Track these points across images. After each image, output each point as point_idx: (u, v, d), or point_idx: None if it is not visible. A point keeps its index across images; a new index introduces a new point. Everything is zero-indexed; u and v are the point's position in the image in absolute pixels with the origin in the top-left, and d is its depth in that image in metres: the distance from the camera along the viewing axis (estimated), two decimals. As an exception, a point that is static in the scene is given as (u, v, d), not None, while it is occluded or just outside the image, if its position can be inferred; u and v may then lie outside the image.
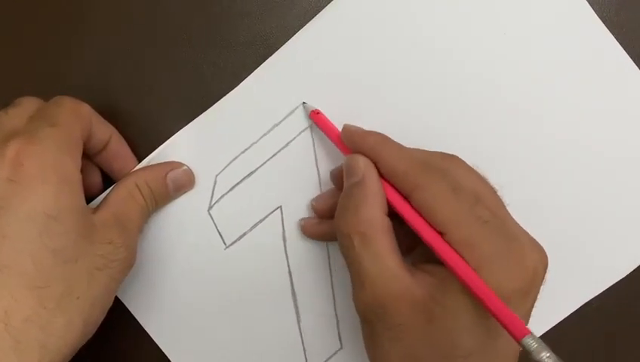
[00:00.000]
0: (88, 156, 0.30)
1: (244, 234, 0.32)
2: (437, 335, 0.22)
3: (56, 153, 0.25)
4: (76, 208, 0.25)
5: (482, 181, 0.25)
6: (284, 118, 0.32)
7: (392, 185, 0.26)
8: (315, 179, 0.32)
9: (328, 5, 0.31)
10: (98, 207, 0.28)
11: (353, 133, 0.28)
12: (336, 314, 0.32)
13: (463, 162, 0.26)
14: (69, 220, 0.25)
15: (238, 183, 0.32)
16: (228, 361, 0.33)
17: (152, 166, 0.31)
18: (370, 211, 0.24)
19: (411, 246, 0.27)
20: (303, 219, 0.31)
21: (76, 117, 0.27)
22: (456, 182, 0.24)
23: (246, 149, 0.32)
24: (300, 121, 0.32)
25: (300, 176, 0.32)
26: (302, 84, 0.31)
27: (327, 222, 0.30)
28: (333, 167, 0.31)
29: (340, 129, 0.29)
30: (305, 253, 0.32)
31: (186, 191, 0.32)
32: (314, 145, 0.32)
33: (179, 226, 0.32)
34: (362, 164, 0.26)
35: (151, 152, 0.32)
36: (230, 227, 0.32)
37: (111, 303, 0.28)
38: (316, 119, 0.30)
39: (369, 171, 0.26)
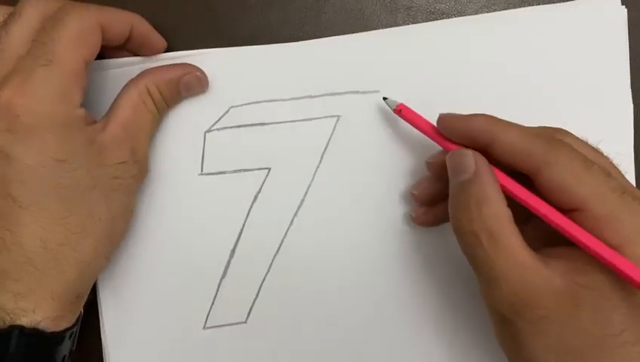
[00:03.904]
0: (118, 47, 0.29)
1: (223, 172, 0.31)
2: (586, 320, 0.21)
3: (51, 99, 0.25)
4: (82, 144, 0.25)
5: (599, 152, 0.24)
6: (321, 95, 0.31)
7: (505, 166, 0.24)
8: (315, 165, 0.31)
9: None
10: (108, 120, 0.27)
11: (454, 119, 0.26)
12: (259, 291, 0.31)
13: (575, 135, 0.24)
14: (78, 158, 0.25)
15: (247, 125, 0.31)
16: (148, 271, 0.31)
17: (166, 68, 0.29)
18: (495, 206, 0.23)
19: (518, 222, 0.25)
20: (413, 211, 0.30)
21: (78, 42, 0.25)
22: (584, 155, 0.23)
23: (272, 100, 0.31)
24: (333, 106, 0.31)
25: (304, 153, 0.31)
26: (365, 73, 0.30)
27: (433, 211, 0.29)
28: (337, 164, 0.31)
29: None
30: (264, 221, 0.31)
31: (197, 94, 0.30)
32: (331, 137, 0.31)
33: (171, 137, 0.31)
34: (472, 157, 0.24)
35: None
36: (215, 158, 0.31)
37: (133, 212, 0.29)
38: (404, 113, 0.28)
39: (482, 164, 0.24)
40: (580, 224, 0.22)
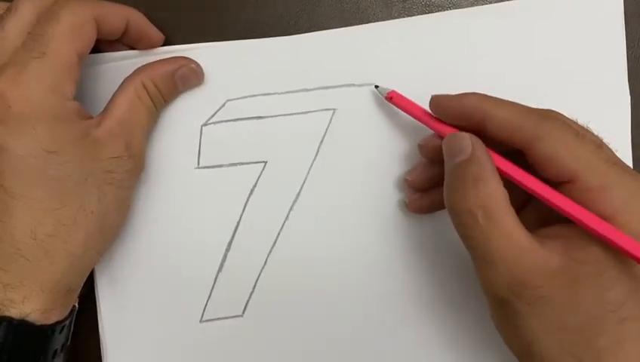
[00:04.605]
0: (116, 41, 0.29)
1: (220, 165, 0.30)
2: (584, 296, 0.21)
3: (44, 91, 0.24)
4: (74, 137, 0.25)
5: (589, 130, 0.24)
6: (317, 89, 0.30)
7: (499, 142, 0.24)
8: (311, 158, 0.30)
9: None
10: (103, 116, 0.27)
11: (446, 98, 0.25)
12: (255, 284, 0.30)
13: (565, 115, 0.24)
14: (70, 150, 0.25)
15: (243, 119, 0.30)
16: (145, 265, 0.31)
17: (160, 62, 0.29)
18: (492, 185, 0.22)
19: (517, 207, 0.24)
20: (406, 197, 0.29)
21: (72, 35, 0.25)
22: (575, 128, 0.22)
23: (268, 94, 0.30)
24: (329, 99, 0.30)
25: (300, 146, 0.30)
26: (361, 66, 0.30)
27: (428, 195, 0.29)
28: (333, 157, 0.30)
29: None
30: (260, 214, 0.30)
31: (193, 87, 0.30)
32: (326, 130, 0.30)
33: (168, 131, 0.31)
34: (469, 139, 0.24)
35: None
36: (212, 151, 0.30)
37: (129, 207, 0.29)
38: (395, 100, 0.28)
39: (478, 146, 0.24)
40: (573, 196, 0.22)
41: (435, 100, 0.26)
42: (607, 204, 0.21)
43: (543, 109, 0.24)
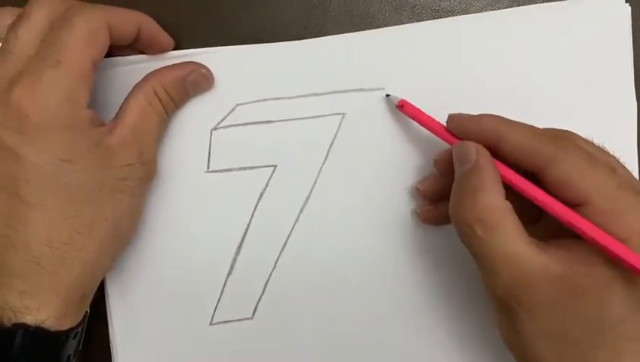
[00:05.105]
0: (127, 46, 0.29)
1: (230, 169, 0.30)
2: (584, 308, 0.21)
3: (60, 100, 0.24)
4: (88, 146, 0.25)
5: (604, 150, 0.24)
6: (326, 93, 0.30)
7: (514, 164, 0.24)
8: (320, 162, 0.30)
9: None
10: (115, 123, 0.26)
11: (462, 118, 0.26)
12: (265, 287, 0.31)
13: (580, 136, 0.24)
14: (84, 159, 0.25)
15: (253, 123, 0.30)
16: (155, 269, 0.31)
17: (170, 68, 0.29)
18: (490, 197, 0.23)
19: (530, 221, 0.25)
20: (418, 208, 0.30)
21: (86, 43, 0.25)
22: (589, 152, 0.23)
23: (278, 98, 0.30)
24: (338, 104, 0.30)
25: (310, 150, 0.30)
26: (370, 70, 0.30)
27: (439, 207, 0.29)
28: (342, 162, 0.30)
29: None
30: (270, 218, 0.31)
31: (203, 92, 0.30)
32: (336, 134, 0.30)
33: (178, 135, 0.31)
34: (474, 149, 0.24)
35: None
36: (221, 155, 0.30)
37: (141, 212, 0.29)
38: (406, 109, 0.28)
39: (482, 156, 0.24)
40: (586, 218, 0.22)
41: (452, 119, 0.26)
42: (620, 227, 0.21)
43: (557, 130, 0.24)
